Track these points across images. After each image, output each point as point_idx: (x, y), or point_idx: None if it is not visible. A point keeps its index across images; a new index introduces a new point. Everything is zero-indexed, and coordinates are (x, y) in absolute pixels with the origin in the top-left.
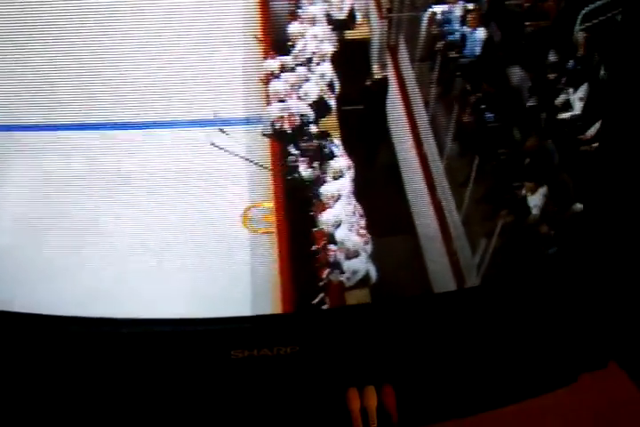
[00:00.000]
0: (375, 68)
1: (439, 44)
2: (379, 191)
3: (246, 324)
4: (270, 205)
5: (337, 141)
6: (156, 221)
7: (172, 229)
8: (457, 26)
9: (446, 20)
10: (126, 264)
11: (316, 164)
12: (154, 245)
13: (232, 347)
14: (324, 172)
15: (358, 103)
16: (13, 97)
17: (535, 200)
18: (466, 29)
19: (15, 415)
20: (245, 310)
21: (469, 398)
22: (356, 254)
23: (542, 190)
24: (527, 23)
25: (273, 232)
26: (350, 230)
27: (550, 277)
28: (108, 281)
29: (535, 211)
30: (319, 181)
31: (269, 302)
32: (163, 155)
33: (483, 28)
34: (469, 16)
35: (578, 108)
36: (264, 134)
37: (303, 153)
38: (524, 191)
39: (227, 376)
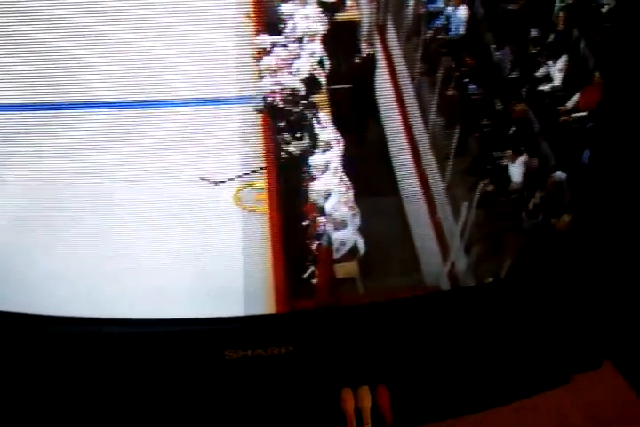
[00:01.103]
0: (363, 45)
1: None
2: (366, 164)
3: (240, 324)
4: (262, 184)
5: (326, 115)
6: (147, 208)
7: (163, 220)
8: (442, 4)
9: None
10: (118, 263)
11: (305, 137)
12: (145, 242)
13: (226, 347)
14: (313, 144)
15: (347, 80)
16: None
17: (516, 169)
18: (448, 8)
19: (10, 416)
20: (239, 306)
21: (463, 399)
22: (344, 225)
23: (522, 158)
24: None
25: (265, 210)
26: (339, 202)
27: (544, 275)
28: (99, 281)
29: (516, 179)
30: (308, 153)
31: (262, 287)
32: (154, 135)
33: (464, 7)
34: None
35: (558, 79)
36: (256, 110)
37: (293, 127)
38: (505, 161)
39: (221, 377)
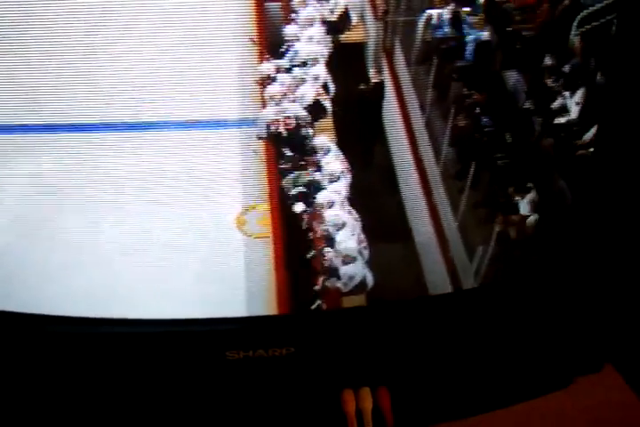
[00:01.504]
0: (371, 72)
1: (440, 47)
2: (374, 196)
3: (242, 325)
4: (265, 207)
5: (332, 144)
6: (151, 224)
7: (167, 232)
8: (454, 29)
9: (442, 23)
10: (121, 265)
11: (311, 167)
12: (149, 247)
13: (227, 348)
14: (319, 175)
15: (354, 107)
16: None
17: (525, 205)
18: (467, 33)
19: (15, 416)
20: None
21: (464, 401)
22: (352, 260)
23: (531, 196)
24: (524, 27)
25: (268, 236)
26: (352, 235)
27: (545, 279)
28: (102, 282)
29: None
30: (314, 184)
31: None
32: (157, 156)
33: (484, 32)
34: (474, 19)
35: (575, 112)
36: (259, 137)
37: (298, 156)
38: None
39: (221, 378)
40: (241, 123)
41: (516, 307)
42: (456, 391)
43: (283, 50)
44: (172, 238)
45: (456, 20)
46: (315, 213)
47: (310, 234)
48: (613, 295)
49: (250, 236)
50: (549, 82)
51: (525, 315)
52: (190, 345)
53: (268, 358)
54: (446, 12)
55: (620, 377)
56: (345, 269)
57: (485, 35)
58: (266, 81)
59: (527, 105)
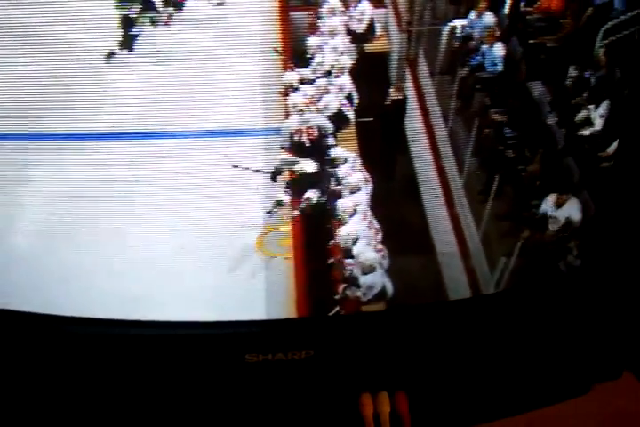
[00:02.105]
0: (393, 89)
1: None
2: (396, 206)
3: (261, 328)
4: (287, 229)
5: (354, 155)
6: (171, 237)
7: (189, 238)
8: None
9: (467, 35)
10: (142, 270)
11: (333, 177)
12: (172, 255)
13: (246, 351)
14: (341, 185)
15: (377, 118)
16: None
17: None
18: (484, 46)
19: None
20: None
21: (482, 406)
22: (372, 270)
23: (573, 202)
24: (548, 39)
25: (289, 257)
26: (368, 245)
27: (565, 287)
28: (127, 286)
29: (553, 227)
30: (336, 194)
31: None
32: (181, 165)
33: (500, 44)
34: (486, 32)
35: (599, 124)
36: (282, 147)
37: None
38: (544, 206)
39: (240, 380)
40: (264, 132)
41: (536, 314)
42: (474, 397)
43: (307, 60)
44: (195, 245)
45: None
46: (335, 224)
47: (330, 244)
48: (633, 303)
49: (270, 255)
50: (574, 94)
51: (545, 321)
52: (209, 348)
53: (287, 361)
54: (472, 23)
55: (639, 384)
56: (365, 279)
57: (503, 47)
58: (289, 90)
59: (551, 117)
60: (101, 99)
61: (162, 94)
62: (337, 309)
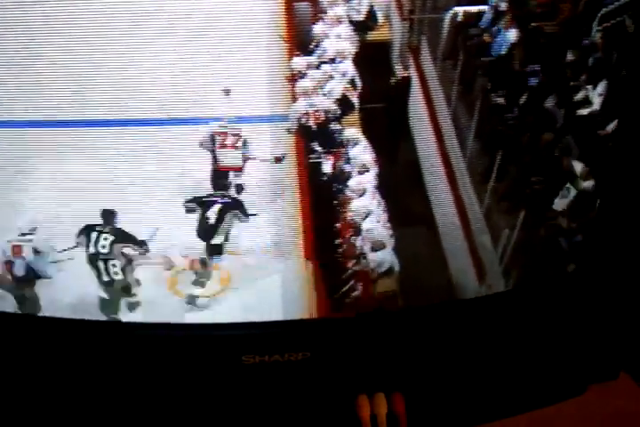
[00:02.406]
0: (398, 67)
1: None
2: (401, 186)
3: (258, 330)
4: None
5: (361, 136)
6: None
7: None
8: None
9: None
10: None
11: (341, 159)
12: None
13: (243, 352)
14: (349, 167)
15: (380, 101)
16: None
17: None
18: (497, 30)
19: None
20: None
21: (478, 408)
22: (381, 246)
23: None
24: (547, 24)
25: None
26: (378, 222)
27: (561, 286)
28: None
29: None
30: (345, 175)
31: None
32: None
33: (515, 29)
34: (504, 17)
35: (597, 104)
36: (289, 131)
37: (327, 150)
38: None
39: (237, 381)
40: (271, 118)
41: (532, 314)
42: (470, 398)
43: (311, 47)
44: None
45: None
46: (344, 200)
47: (339, 222)
48: (630, 304)
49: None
50: (573, 76)
51: (540, 322)
52: (207, 349)
53: (283, 362)
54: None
55: (636, 385)
56: (374, 256)
57: (511, 32)
58: (297, 76)
59: (550, 98)
60: (106, 84)
61: (166, 82)
62: (351, 283)
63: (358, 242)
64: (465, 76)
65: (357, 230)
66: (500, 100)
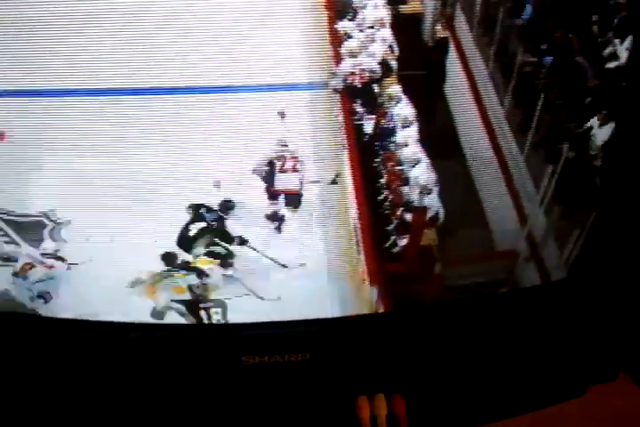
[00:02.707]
0: (438, 28)
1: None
2: (441, 139)
3: (258, 330)
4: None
5: (402, 95)
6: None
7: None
8: None
9: None
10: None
11: (384, 117)
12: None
13: (243, 353)
14: (392, 122)
15: (419, 65)
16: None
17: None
18: None
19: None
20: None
21: (478, 409)
22: (429, 191)
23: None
24: None
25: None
26: (427, 168)
27: (560, 287)
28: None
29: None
30: (389, 131)
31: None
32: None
33: None
34: None
35: (624, 57)
36: (335, 90)
37: (371, 106)
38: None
39: (237, 382)
40: (314, 85)
41: (531, 316)
42: (470, 399)
43: (350, 16)
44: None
45: None
46: (390, 153)
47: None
48: (630, 304)
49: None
50: (600, 34)
51: (540, 323)
52: (206, 350)
53: (283, 363)
54: None
55: (636, 386)
56: (421, 202)
57: None
58: (342, 37)
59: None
60: (152, 55)
61: (206, 50)
62: (393, 238)
63: (406, 190)
64: (501, 40)
65: (405, 180)
66: (533, 59)
